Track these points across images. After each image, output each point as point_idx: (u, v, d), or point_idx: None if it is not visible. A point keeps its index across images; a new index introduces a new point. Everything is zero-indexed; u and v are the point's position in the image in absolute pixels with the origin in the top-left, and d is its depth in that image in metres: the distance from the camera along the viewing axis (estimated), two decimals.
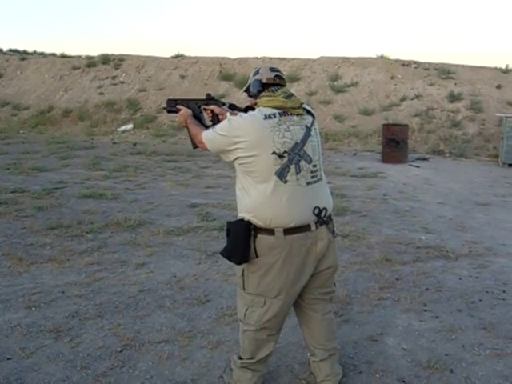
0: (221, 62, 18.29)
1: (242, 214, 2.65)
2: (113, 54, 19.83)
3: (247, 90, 2.84)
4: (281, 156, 2.54)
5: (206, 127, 2.95)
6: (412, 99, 14.15)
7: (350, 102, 14.92)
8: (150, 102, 16.78)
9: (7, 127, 16.00)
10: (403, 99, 14.26)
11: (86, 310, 4.00)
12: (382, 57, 16.35)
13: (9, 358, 3.33)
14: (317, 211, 2.64)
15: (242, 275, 2.71)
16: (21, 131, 15.60)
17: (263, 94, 2.71)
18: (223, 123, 2.67)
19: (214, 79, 17.49)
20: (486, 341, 3.51)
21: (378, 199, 7.71)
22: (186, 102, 3.18)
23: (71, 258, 5.14)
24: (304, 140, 2.63)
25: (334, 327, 3.00)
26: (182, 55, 19.20)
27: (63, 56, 21.21)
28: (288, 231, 2.57)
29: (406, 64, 15.62)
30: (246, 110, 2.78)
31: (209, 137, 2.72)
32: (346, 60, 16.48)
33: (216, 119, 3.06)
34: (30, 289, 4.41)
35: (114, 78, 18.53)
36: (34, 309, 4.04)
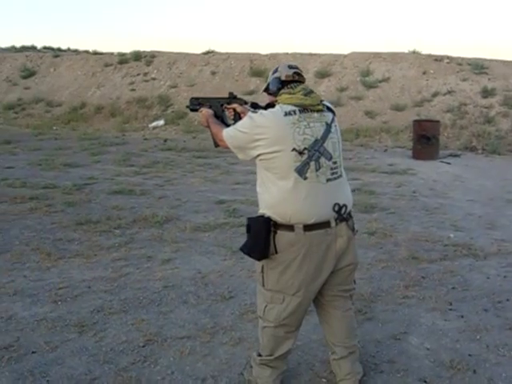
0: (251, 57, 18.30)
1: (263, 210, 2.67)
2: (144, 51, 20.01)
3: (267, 89, 2.84)
4: (301, 153, 2.53)
5: (228, 126, 2.96)
6: (444, 95, 13.93)
7: (381, 98, 14.77)
8: (181, 99, 16.87)
9: (41, 123, 16.29)
10: (435, 95, 14.05)
11: (111, 305, 4.05)
12: (414, 52, 16.14)
13: (34, 352, 3.39)
14: (337, 208, 2.63)
15: (262, 271, 2.72)
16: (54, 127, 15.86)
17: (283, 91, 2.71)
18: (244, 120, 2.69)
19: (244, 75, 17.50)
20: None
21: (408, 196, 7.63)
22: (209, 101, 3.20)
23: (99, 253, 5.20)
24: (324, 137, 2.61)
25: (354, 325, 2.98)
26: (212, 51, 19.28)
27: (96, 53, 21.50)
28: (308, 227, 2.56)
29: (438, 59, 15.38)
30: (267, 107, 2.78)
31: (230, 134, 2.74)
32: (377, 55, 16.31)
33: (238, 118, 3.07)
34: (56, 283, 4.48)
35: (145, 74, 18.69)
36: (60, 303, 4.11)
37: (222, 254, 5.20)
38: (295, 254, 2.59)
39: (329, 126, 2.65)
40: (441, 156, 10.81)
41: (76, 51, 24.70)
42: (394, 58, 15.93)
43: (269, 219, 2.61)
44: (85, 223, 6.15)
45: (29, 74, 19.66)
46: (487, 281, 4.48)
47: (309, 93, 2.66)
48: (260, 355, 2.90)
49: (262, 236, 2.59)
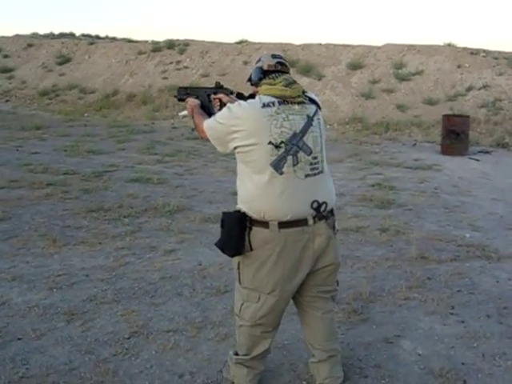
0: (284, 48, 18.05)
1: (239, 205, 2.57)
2: (178, 40, 19.99)
3: (250, 79, 2.74)
4: (277, 146, 2.43)
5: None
6: (479, 89, 13.50)
7: (413, 91, 14.41)
8: None
9: (73, 110, 16.42)
10: (470, 89, 13.62)
11: (105, 295, 4.02)
12: (449, 44, 15.66)
13: (19, 339, 3.39)
14: (315, 205, 2.51)
15: (238, 268, 2.64)
16: (85, 114, 15.97)
17: (264, 81, 2.61)
18: (223, 111, 2.60)
19: None
20: (510, 351, 3.26)
21: (428, 193, 7.39)
22: (196, 91, 3.13)
23: (103, 242, 5.18)
24: (304, 130, 2.50)
25: (334, 328, 2.87)
26: (245, 41, 19.11)
27: (130, 41, 21.61)
28: (283, 225, 2.46)
29: (474, 52, 14.89)
30: (249, 98, 2.68)
31: (210, 125, 2.65)
32: (411, 47, 15.89)
33: None
34: (56, 270, 4.48)
35: (178, 62, 18.66)
36: (55, 290, 4.10)
37: None
38: (270, 252, 2.49)
39: (310, 119, 2.54)
40: (470, 152, 10.48)
41: (113, 39, 24.83)
42: (429, 50, 15.50)
43: (244, 215, 2.52)
44: (96, 211, 6.15)
45: (64, 60, 19.88)
46: (496, 285, 4.29)
47: (290, 84, 2.55)
48: (237, 354, 2.82)
49: (235, 232, 2.51)
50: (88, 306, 3.84)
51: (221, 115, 2.57)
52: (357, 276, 4.43)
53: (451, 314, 3.77)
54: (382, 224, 5.80)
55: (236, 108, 2.49)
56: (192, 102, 3.02)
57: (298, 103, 2.53)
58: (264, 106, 2.45)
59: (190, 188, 7.52)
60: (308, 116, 2.53)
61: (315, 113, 2.58)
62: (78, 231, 5.48)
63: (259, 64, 2.67)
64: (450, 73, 14.48)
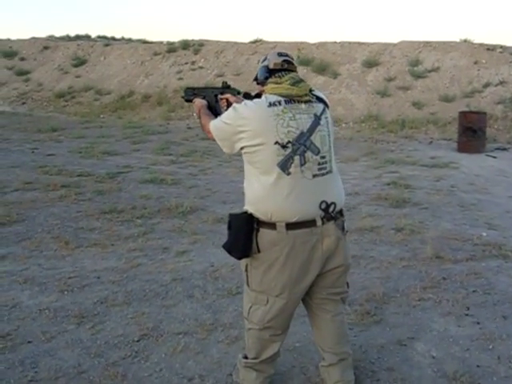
0: (299, 46, 17.97)
1: (246, 207, 2.53)
2: (193, 40, 19.99)
3: (256, 78, 2.69)
4: (284, 146, 2.38)
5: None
6: (496, 85, 13.32)
7: (430, 88, 14.26)
8: None
9: (89, 111, 16.50)
10: (486, 85, 13.44)
11: (115, 297, 4.00)
12: (465, 41, 15.46)
13: (29, 342, 3.38)
14: (324, 206, 2.46)
15: (246, 270, 2.60)
16: (101, 115, 16.04)
17: (270, 80, 2.56)
18: (229, 111, 2.56)
19: None
20: None
21: (445, 191, 7.28)
22: (203, 91, 3.11)
23: (116, 243, 5.17)
24: (311, 130, 2.45)
25: (345, 330, 2.81)
26: (260, 40, 19.06)
27: (145, 42, 21.66)
28: (291, 226, 2.41)
29: (490, 48, 14.68)
30: (255, 98, 2.64)
31: (216, 126, 2.61)
32: (427, 44, 15.72)
33: None
34: (68, 272, 4.47)
35: (193, 63, 18.67)
36: (66, 293, 4.09)
37: None
38: (278, 254, 2.45)
39: (318, 118, 2.49)
40: (487, 149, 10.34)
41: (129, 40, 24.91)
42: (445, 46, 15.32)
43: (251, 216, 2.47)
44: (109, 212, 6.14)
45: (80, 62, 19.99)
46: None
47: (297, 82, 2.50)
48: (246, 357, 2.78)
49: (242, 234, 2.47)
50: (98, 308, 3.83)
51: (227, 115, 2.54)
52: (370, 276, 4.37)
53: (466, 315, 3.69)
54: (397, 223, 5.72)
55: (242, 108, 2.45)
56: (199, 102, 2.99)
57: (305, 102, 2.48)
58: (270, 105, 2.41)
59: (203, 188, 7.50)
60: (315, 115, 2.49)
61: (323, 111, 2.53)
62: (90, 233, 5.48)
63: (265, 63, 2.62)
64: (467, 69, 14.30)
